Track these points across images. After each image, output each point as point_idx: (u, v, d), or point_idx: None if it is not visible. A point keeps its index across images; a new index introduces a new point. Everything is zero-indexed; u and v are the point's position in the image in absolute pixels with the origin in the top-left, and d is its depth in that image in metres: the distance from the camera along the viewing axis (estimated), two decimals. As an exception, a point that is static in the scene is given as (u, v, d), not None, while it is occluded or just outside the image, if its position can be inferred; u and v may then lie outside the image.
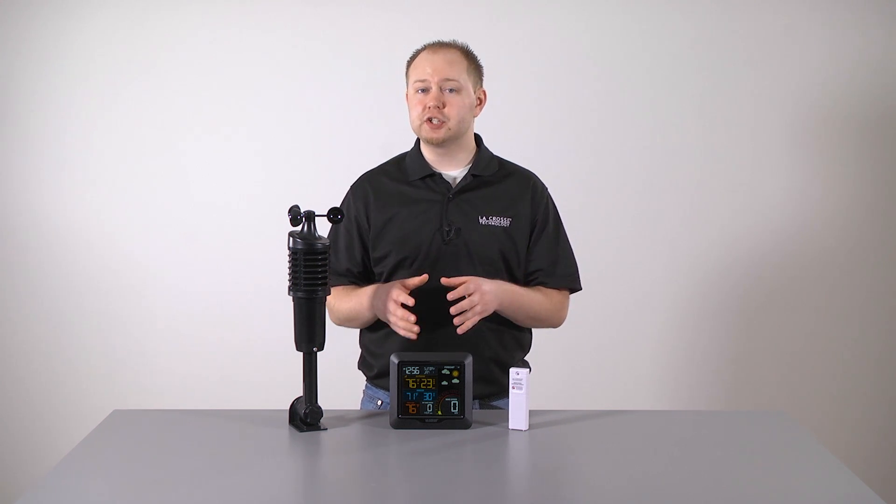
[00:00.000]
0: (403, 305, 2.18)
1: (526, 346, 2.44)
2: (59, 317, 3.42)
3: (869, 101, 3.33)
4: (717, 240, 3.38)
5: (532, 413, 2.11)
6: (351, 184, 2.44)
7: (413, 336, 2.18)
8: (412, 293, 2.21)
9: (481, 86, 2.40)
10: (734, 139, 3.35)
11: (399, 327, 2.19)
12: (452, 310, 2.19)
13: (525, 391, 2.05)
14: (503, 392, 2.34)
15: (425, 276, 2.22)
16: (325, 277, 2.06)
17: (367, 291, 2.30)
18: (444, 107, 2.29)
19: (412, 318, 2.17)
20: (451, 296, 2.19)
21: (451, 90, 2.30)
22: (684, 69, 3.34)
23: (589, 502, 1.73)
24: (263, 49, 3.35)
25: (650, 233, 3.38)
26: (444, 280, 2.21)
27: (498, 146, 2.50)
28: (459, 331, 2.19)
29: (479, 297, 2.20)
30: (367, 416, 2.20)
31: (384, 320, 2.26)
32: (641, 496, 1.73)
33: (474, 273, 2.27)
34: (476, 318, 2.21)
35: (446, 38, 2.37)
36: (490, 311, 2.24)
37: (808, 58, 3.32)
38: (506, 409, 2.26)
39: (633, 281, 3.40)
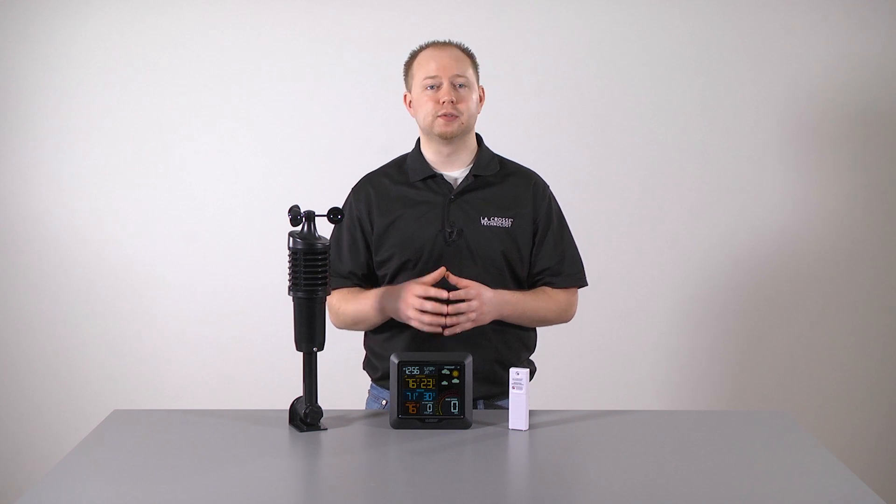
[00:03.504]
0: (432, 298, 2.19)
1: (531, 346, 2.44)
2: (59, 317, 3.41)
3: (869, 100, 3.33)
4: (719, 240, 3.38)
5: (532, 413, 2.11)
6: (352, 186, 2.45)
7: (439, 329, 2.20)
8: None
9: (479, 83, 2.41)
10: (736, 139, 3.35)
11: (424, 323, 2.19)
12: (449, 309, 2.20)
13: (525, 391, 2.05)
14: (507, 393, 2.34)
15: (443, 269, 2.23)
16: (325, 277, 2.06)
17: (375, 294, 2.30)
18: (456, 101, 2.30)
19: (443, 308, 2.18)
20: (452, 295, 2.20)
21: (461, 86, 2.31)
22: (684, 68, 3.33)
23: (589, 502, 1.73)
24: (264, 49, 3.35)
25: (651, 233, 3.38)
26: (450, 278, 2.21)
27: (499, 145, 2.49)
28: (446, 332, 2.21)
29: (476, 304, 2.21)
30: (368, 415, 2.20)
31: (402, 319, 2.25)
32: (641, 496, 1.73)
33: (477, 274, 2.27)
34: (467, 325, 2.22)
35: (442, 39, 2.38)
36: (485, 322, 2.25)
37: (808, 57, 3.31)
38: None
39: (634, 281, 3.40)
